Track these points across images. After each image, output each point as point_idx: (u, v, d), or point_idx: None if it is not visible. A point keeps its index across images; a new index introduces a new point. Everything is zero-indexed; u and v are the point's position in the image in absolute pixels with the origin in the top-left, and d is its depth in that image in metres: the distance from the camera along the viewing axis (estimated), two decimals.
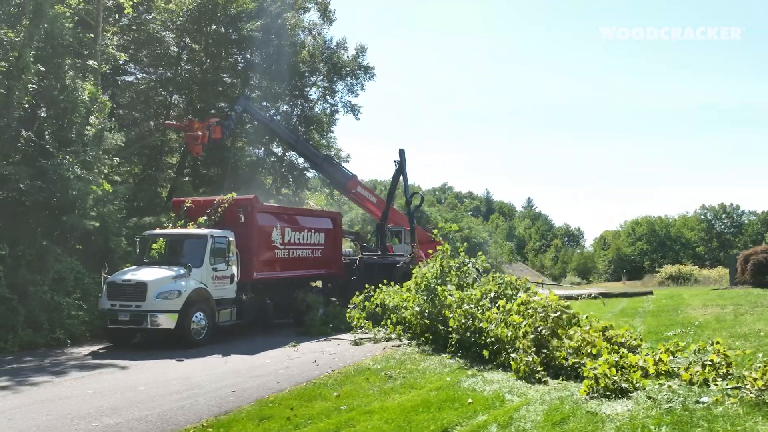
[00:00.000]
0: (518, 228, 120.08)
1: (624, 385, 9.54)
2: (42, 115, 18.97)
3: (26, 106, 18.28)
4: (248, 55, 30.84)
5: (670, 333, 16.01)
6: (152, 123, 31.51)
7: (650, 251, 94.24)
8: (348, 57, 34.80)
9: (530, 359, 11.19)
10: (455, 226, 42.05)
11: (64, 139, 18.50)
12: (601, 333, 13.36)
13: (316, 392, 10.08)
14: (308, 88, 34.19)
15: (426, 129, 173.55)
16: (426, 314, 15.16)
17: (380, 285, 18.20)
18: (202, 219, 17.42)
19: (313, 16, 35.89)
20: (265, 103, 32.41)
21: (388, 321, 16.75)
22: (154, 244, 17.31)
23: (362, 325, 17.93)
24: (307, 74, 33.16)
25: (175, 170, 31.48)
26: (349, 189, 29.10)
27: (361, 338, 16.33)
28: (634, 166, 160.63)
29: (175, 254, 16.74)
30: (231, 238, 16.86)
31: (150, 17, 27.09)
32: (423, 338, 15.25)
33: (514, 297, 17.37)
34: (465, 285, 16.11)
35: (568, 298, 29.21)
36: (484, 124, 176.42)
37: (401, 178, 25.44)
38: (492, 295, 17.27)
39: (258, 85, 31.56)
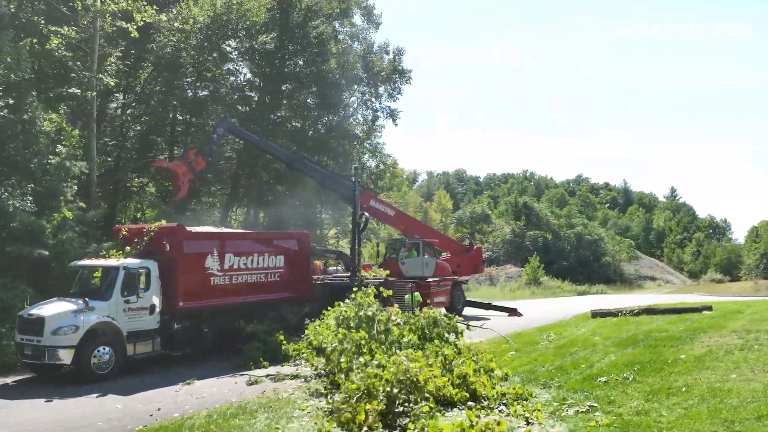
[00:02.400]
0: (657, 220, 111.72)
1: None
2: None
3: None
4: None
5: (603, 379, 13.74)
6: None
7: None
8: (386, 61, 33.65)
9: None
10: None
11: (22, 170, 19.19)
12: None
13: None
14: (347, 96, 33.33)
15: (552, 118, 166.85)
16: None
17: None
18: (128, 248, 17.33)
19: (356, 20, 35.13)
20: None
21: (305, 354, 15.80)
22: (97, 273, 17.47)
23: (301, 355, 17.02)
24: (343, 83, 32.29)
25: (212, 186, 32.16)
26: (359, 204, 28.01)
27: (267, 375, 15.52)
28: None
29: (100, 285, 16.81)
30: (148, 269, 16.61)
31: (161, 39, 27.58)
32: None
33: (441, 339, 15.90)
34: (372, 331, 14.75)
35: (608, 314, 26.63)
36: (623, 113, 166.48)
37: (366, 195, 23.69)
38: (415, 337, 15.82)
39: (286, 98, 31.32)
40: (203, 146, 25.33)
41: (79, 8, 23.56)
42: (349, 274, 22.86)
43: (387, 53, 33.90)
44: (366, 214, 20.94)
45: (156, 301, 16.70)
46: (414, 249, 27.78)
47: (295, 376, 15.29)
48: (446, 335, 16.08)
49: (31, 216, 18.09)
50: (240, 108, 31.64)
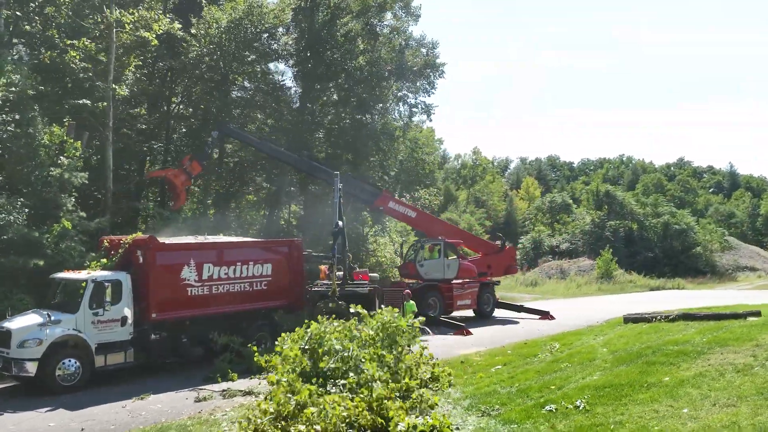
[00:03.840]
0: (766, 205, 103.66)
1: None
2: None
3: None
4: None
5: (550, 408, 12.68)
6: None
7: None
8: (421, 55, 32.66)
9: None
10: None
11: (23, 182, 20.00)
12: None
13: None
14: (383, 92, 32.43)
15: (651, 97, 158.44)
16: None
17: None
18: (104, 260, 17.64)
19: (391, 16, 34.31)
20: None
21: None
22: (83, 284, 17.87)
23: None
24: (375, 80, 31.52)
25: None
26: (376, 206, 27.45)
27: (223, 390, 15.33)
28: None
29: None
30: (119, 281, 16.81)
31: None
32: None
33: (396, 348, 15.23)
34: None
35: (641, 319, 24.78)
36: (731, 91, 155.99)
37: (340, 200, 22.44)
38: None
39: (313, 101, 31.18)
40: (198, 151, 25.55)
41: (99, 20, 24.19)
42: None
43: (423, 46, 32.97)
44: (340, 223, 20.27)
45: (128, 312, 16.90)
46: (436, 250, 26.97)
47: (248, 393, 15.06)
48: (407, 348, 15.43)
49: (23, 228, 18.74)
50: (275, 106, 31.69)
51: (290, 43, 29.25)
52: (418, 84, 32.59)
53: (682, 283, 51.11)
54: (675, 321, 24.30)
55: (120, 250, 17.58)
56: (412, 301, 20.42)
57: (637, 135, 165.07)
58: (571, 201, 74.67)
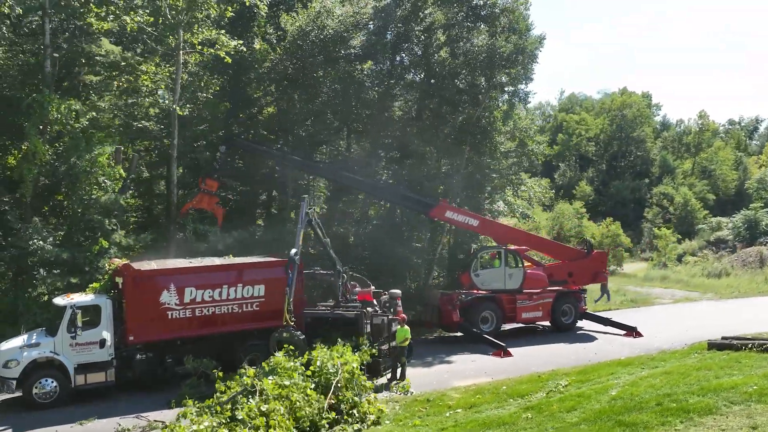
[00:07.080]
0: None
1: None
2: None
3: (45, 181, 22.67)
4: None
5: None
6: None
7: None
8: (529, 39, 29.66)
9: None
10: None
11: (69, 204, 22.24)
12: None
13: None
14: (482, 86, 29.84)
15: None
16: None
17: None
18: (95, 284, 18.87)
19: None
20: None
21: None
22: None
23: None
24: (467, 71, 29.25)
25: None
26: (432, 218, 25.75)
27: (151, 422, 15.69)
28: None
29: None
30: (98, 305, 17.84)
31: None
32: None
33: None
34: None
35: (725, 346, 20.46)
36: None
37: (311, 222, 20.72)
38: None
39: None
40: (208, 169, 25.97)
41: (170, 41, 25.68)
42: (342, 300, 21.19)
43: (515, 32, 29.88)
44: (293, 251, 18.94)
45: (106, 335, 17.92)
46: (496, 258, 24.77)
47: (167, 427, 15.19)
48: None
49: (54, 250, 20.78)
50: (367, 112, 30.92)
51: (357, 47, 28.48)
52: (514, 71, 29.55)
53: None
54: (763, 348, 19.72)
55: (105, 276, 18.75)
56: (406, 327, 18.93)
57: None
58: None
